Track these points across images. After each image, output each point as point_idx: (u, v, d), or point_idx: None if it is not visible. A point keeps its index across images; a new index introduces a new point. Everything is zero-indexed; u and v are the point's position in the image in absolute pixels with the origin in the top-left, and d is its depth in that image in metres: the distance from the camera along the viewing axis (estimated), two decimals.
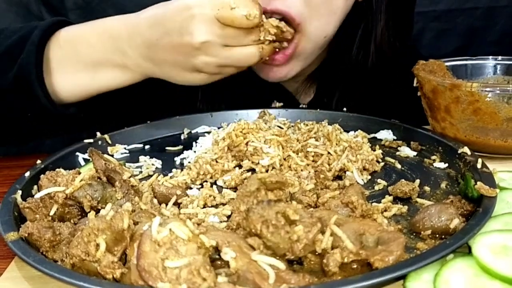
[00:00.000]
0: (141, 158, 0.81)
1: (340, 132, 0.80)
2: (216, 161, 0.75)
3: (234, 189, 0.70)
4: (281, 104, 0.97)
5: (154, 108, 0.98)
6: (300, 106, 1.05)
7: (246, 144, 0.76)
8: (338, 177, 0.72)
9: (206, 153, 0.78)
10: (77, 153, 0.79)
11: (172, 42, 0.74)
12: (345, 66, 0.99)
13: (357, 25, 0.95)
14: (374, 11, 0.94)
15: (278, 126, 0.89)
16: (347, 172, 0.72)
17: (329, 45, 0.95)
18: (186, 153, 0.82)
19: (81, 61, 0.81)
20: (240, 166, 0.75)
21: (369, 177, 0.73)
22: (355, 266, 0.49)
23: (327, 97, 1.02)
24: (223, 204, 0.66)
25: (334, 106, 1.01)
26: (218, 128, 0.89)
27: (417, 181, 0.69)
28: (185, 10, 0.73)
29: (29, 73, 0.77)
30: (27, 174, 0.69)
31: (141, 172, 0.77)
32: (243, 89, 0.98)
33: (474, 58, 0.90)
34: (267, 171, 0.73)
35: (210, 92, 1.00)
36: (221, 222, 0.61)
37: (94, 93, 0.83)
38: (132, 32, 0.78)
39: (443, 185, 0.69)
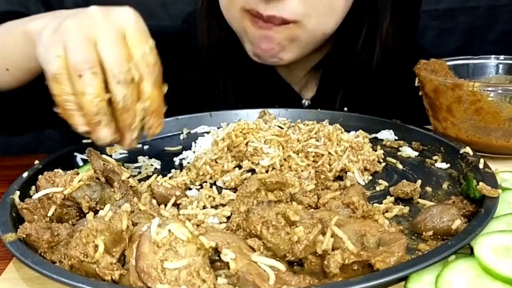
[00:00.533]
0: (140, 158, 0.81)
1: (341, 132, 0.80)
2: (216, 162, 0.75)
3: (234, 189, 0.69)
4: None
5: None
6: (303, 101, 1.05)
7: (246, 144, 0.75)
8: (339, 178, 0.72)
9: (205, 153, 0.77)
10: (76, 154, 0.79)
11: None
12: (349, 62, 0.98)
13: (363, 20, 0.95)
14: (380, 7, 0.93)
15: (278, 126, 0.89)
16: (348, 173, 0.72)
17: (333, 39, 0.94)
18: (185, 154, 0.82)
19: None
20: (240, 167, 0.75)
21: (370, 177, 0.72)
22: (356, 268, 0.49)
23: (329, 92, 1.02)
24: (223, 205, 0.65)
25: (337, 102, 1.00)
26: (218, 128, 0.89)
27: (419, 181, 0.68)
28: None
29: None
30: (25, 174, 0.68)
31: (140, 172, 0.77)
32: (245, 85, 0.98)
33: (476, 57, 0.90)
34: (267, 171, 0.72)
35: (210, 89, 1.00)
36: (220, 223, 0.60)
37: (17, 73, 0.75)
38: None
39: (445, 185, 0.68)
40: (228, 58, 0.99)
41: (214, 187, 0.71)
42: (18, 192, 0.63)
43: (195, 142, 0.84)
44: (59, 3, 1.38)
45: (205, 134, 0.87)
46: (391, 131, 0.86)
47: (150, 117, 0.61)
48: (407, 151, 0.80)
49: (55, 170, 0.64)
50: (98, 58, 0.58)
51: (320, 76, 1.04)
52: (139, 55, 0.59)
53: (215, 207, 0.65)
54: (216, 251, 0.49)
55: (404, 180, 0.67)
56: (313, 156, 0.74)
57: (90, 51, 0.58)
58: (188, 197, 0.66)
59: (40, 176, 0.62)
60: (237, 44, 0.94)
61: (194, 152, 0.81)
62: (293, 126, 0.88)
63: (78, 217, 0.60)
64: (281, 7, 0.82)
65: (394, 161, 0.77)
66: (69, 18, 0.61)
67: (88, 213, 0.58)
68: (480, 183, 0.60)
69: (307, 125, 0.84)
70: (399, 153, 0.80)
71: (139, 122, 0.60)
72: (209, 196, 0.66)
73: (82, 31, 0.59)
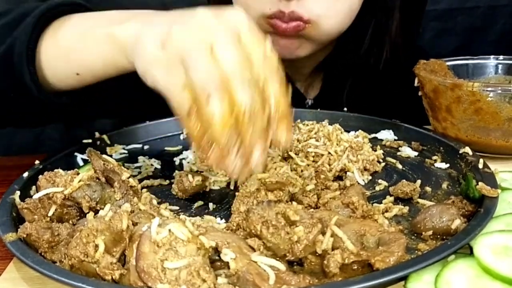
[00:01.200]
0: (140, 158, 0.81)
1: (341, 132, 0.80)
2: None
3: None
4: None
5: (153, 108, 0.97)
6: (306, 101, 1.05)
7: None
8: (339, 178, 0.72)
9: None
10: (76, 154, 0.79)
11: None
12: (353, 60, 0.98)
13: (369, 18, 0.95)
14: (389, 6, 0.93)
15: None
16: (347, 173, 0.72)
17: (336, 38, 0.95)
18: (185, 154, 0.82)
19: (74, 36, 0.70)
20: None
21: (370, 177, 0.72)
22: (355, 267, 0.49)
23: (333, 91, 1.02)
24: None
25: (344, 101, 1.00)
26: None
27: (418, 181, 0.69)
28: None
29: (20, 46, 0.68)
30: (26, 174, 0.68)
31: (140, 172, 0.77)
32: None
33: (475, 57, 0.90)
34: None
35: None
36: (221, 218, 0.61)
37: (82, 70, 0.69)
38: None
39: (444, 185, 0.68)
40: None
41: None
42: (18, 192, 0.63)
43: None
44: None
45: None
46: (391, 131, 0.86)
47: (279, 125, 0.52)
48: (407, 151, 0.80)
49: (56, 170, 0.64)
50: (220, 69, 0.50)
51: (324, 75, 1.04)
52: (260, 56, 0.52)
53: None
54: (216, 250, 0.49)
55: (404, 180, 0.67)
56: (313, 156, 0.74)
57: (213, 65, 0.50)
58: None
59: (40, 176, 0.62)
60: None
61: (194, 152, 0.81)
62: (293, 126, 0.88)
63: (79, 217, 0.60)
64: (301, 4, 0.82)
65: (394, 161, 0.77)
66: (176, 25, 0.53)
67: (88, 213, 0.58)
68: (480, 183, 0.60)
69: (307, 125, 0.84)
70: (398, 153, 0.80)
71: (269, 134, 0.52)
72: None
73: (199, 42, 0.51)
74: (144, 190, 0.68)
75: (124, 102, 0.92)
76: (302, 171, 0.72)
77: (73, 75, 0.70)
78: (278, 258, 0.49)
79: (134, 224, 0.53)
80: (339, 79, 1.01)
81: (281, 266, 0.48)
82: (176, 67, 0.52)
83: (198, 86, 0.50)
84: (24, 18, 0.70)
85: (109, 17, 0.69)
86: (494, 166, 0.67)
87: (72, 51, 0.70)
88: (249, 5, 0.86)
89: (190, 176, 0.67)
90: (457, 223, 0.55)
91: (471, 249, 0.52)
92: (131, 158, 0.82)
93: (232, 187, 0.70)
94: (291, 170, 0.72)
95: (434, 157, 0.77)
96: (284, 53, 0.90)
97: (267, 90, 0.51)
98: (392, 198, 0.65)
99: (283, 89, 0.52)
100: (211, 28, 0.52)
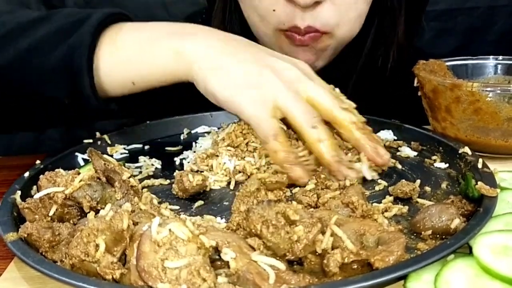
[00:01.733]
0: (141, 158, 0.81)
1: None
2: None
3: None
4: None
5: (153, 108, 0.97)
6: None
7: (246, 144, 0.75)
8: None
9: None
10: (77, 153, 0.79)
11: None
12: (357, 61, 0.99)
13: (372, 19, 0.95)
14: (395, 8, 0.94)
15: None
16: (356, 164, 0.71)
17: None
18: (186, 153, 0.82)
19: (133, 44, 0.73)
20: None
21: (378, 176, 0.72)
22: (355, 267, 0.49)
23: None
24: None
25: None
26: (218, 128, 0.89)
27: (418, 181, 0.69)
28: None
29: (79, 55, 0.69)
30: (27, 174, 0.69)
31: (140, 172, 0.77)
32: None
33: (474, 57, 0.90)
34: None
35: None
36: (221, 217, 0.61)
37: (139, 79, 0.73)
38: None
39: (443, 185, 0.69)
40: None
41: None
42: (19, 192, 0.63)
43: (196, 142, 0.84)
44: (60, 2, 1.38)
45: (205, 134, 0.87)
46: (390, 131, 0.86)
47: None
48: (406, 151, 0.80)
49: (56, 170, 0.64)
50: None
51: (326, 76, 1.04)
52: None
53: None
54: (216, 250, 0.49)
55: (403, 180, 0.67)
56: None
57: (308, 106, 0.67)
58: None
59: (41, 176, 0.63)
60: None
61: (194, 152, 0.82)
62: None
63: (79, 217, 0.60)
64: (316, 15, 0.82)
65: (393, 161, 0.77)
66: (266, 69, 0.68)
67: (89, 212, 0.58)
68: (479, 183, 0.60)
69: None
70: (398, 153, 0.80)
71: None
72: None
73: (291, 90, 0.67)
74: (145, 189, 0.68)
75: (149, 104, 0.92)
76: None
77: (129, 83, 0.73)
78: (278, 258, 0.49)
79: (135, 223, 0.53)
80: (342, 80, 1.02)
81: (281, 266, 0.48)
82: (268, 104, 0.66)
83: (302, 120, 0.66)
84: (77, 26, 0.71)
85: (165, 29, 0.74)
86: (493, 165, 0.68)
87: (132, 61, 0.72)
88: (264, 20, 0.86)
89: (190, 176, 0.67)
90: (456, 222, 0.55)
91: (470, 248, 0.52)
92: (131, 158, 0.83)
93: (232, 187, 0.71)
94: None
95: (434, 157, 0.77)
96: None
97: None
98: (391, 198, 0.65)
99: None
100: (295, 74, 0.69)
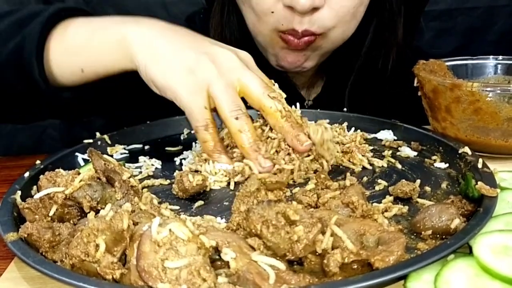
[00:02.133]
0: (141, 158, 0.81)
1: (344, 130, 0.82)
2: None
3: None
4: None
5: (153, 108, 0.97)
6: (305, 103, 1.05)
7: None
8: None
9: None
10: (77, 154, 0.79)
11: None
12: (356, 60, 0.99)
13: (369, 20, 0.96)
14: (393, 9, 0.94)
15: None
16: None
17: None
18: (185, 154, 0.82)
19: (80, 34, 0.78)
20: None
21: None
22: (355, 267, 0.49)
23: (334, 92, 1.03)
24: None
25: (342, 102, 1.01)
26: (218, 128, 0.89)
27: (418, 181, 0.69)
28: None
29: (30, 42, 0.74)
30: (27, 174, 0.69)
31: (140, 172, 0.77)
32: None
33: (474, 57, 0.90)
34: None
35: None
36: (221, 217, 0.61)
37: (87, 65, 0.77)
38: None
39: (443, 185, 0.69)
40: None
41: None
42: (19, 192, 0.63)
43: (196, 142, 0.84)
44: (60, 2, 1.38)
45: None
46: (390, 131, 0.86)
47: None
48: (406, 151, 0.80)
49: (57, 170, 0.64)
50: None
51: (325, 77, 1.04)
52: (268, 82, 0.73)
53: None
54: (217, 250, 0.49)
55: (403, 180, 0.67)
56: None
57: (235, 97, 0.69)
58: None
59: (41, 176, 0.63)
60: (247, 45, 0.95)
61: (194, 152, 0.82)
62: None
63: (79, 217, 0.60)
64: (314, 19, 0.83)
65: (393, 161, 0.77)
66: (202, 55, 0.69)
67: (89, 212, 0.58)
68: (479, 183, 0.60)
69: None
70: (398, 153, 0.80)
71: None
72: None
73: (224, 78, 0.69)
74: (145, 190, 0.68)
75: (120, 101, 0.94)
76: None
77: (78, 71, 0.77)
78: (278, 258, 0.49)
79: (135, 223, 0.53)
80: (341, 79, 1.02)
81: (281, 266, 0.48)
82: (201, 92, 0.68)
83: (226, 111, 0.68)
84: (33, 18, 0.75)
85: (115, 20, 0.77)
86: (493, 165, 0.68)
87: (80, 49, 0.76)
88: (262, 20, 0.87)
89: (190, 176, 0.67)
90: (456, 222, 0.55)
91: (470, 248, 0.52)
92: (131, 158, 0.83)
93: (232, 187, 0.71)
94: None
95: (434, 157, 0.77)
96: (291, 67, 0.91)
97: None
98: (391, 198, 0.65)
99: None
100: (232, 62, 0.70)
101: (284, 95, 0.73)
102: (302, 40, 0.85)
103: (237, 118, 0.69)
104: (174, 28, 0.75)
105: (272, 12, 0.84)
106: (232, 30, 0.96)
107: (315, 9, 0.81)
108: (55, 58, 0.76)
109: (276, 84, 0.75)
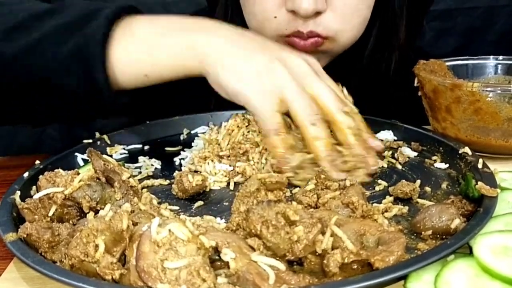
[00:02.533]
0: (140, 158, 0.81)
1: None
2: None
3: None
4: None
5: (153, 108, 0.97)
6: None
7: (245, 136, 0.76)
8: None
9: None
10: (76, 154, 0.79)
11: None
12: (359, 62, 0.98)
13: (373, 22, 0.95)
14: (396, 12, 0.94)
15: None
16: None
17: None
18: (185, 154, 0.82)
19: (146, 37, 0.74)
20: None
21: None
22: (355, 267, 0.49)
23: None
24: None
25: None
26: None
27: (418, 181, 0.69)
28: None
29: (94, 46, 0.69)
30: (26, 174, 0.69)
31: (140, 172, 0.77)
32: None
33: (475, 58, 0.90)
34: None
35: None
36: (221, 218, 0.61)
37: (151, 72, 0.74)
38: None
39: (444, 185, 0.68)
40: None
41: None
42: (18, 192, 0.63)
43: (194, 142, 0.84)
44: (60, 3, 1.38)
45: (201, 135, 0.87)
46: (390, 131, 0.86)
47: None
48: (406, 151, 0.80)
49: (56, 170, 0.64)
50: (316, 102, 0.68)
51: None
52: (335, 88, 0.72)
53: None
54: (216, 250, 0.49)
55: (403, 180, 0.67)
56: None
57: (311, 102, 0.68)
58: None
59: (40, 176, 0.63)
60: None
61: (193, 151, 0.82)
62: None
63: (79, 217, 0.60)
64: (318, 22, 0.82)
65: (393, 161, 0.77)
66: (275, 63, 0.68)
67: (88, 213, 0.58)
68: (479, 183, 0.60)
69: None
70: (398, 153, 0.80)
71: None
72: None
73: (297, 83, 0.68)
74: (144, 190, 0.68)
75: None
76: None
77: (142, 76, 0.73)
78: (278, 258, 0.49)
79: (134, 224, 0.53)
80: (343, 82, 1.01)
81: (281, 266, 0.48)
82: (274, 96, 0.67)
83: (303, 116, 0.67)
84: (91, 17, 0.71)
85: (178, 23, 0.75)
86: (493, 166, 0.68)
87: (145, 54, 0.72)
88: (265, 26, 0.86)
89: (190, 176, 0.67)
90: (456, 222, 0.55)
91: (470, 248, 0.52)
92: (131, 158, 0.82)
93: (232, 188, 0.71)
94: None
95: (434, 157, 0.77)
96: None
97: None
98: (391, 198, 0.65)
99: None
100: (303, 67, 0.70)
101: (356, 110, 0.72)
102: (308, 41, 0.84)
103: (314, 124, 0.67)
104: (241, 32, 0.74)
105: (275, 17, 0.83)
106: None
107: (318, 13, 0.81)
108: (118, 63, 0.71)
109: (344, 88, 0.75)
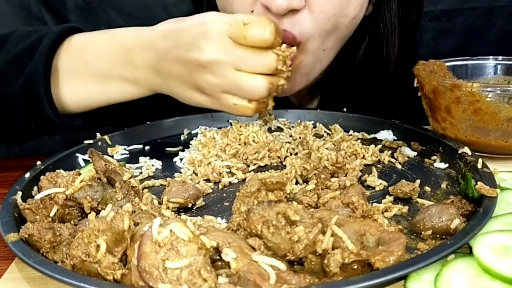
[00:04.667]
0: (141, 159, 0.81)
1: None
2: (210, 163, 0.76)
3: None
4: None
5: (154, 108, 0.97)
6: None
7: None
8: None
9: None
10: (77, 154, 0.79)
11: (179, 56, 0.72)
12: (351, 72, 0.98)
13: (362, 36, 0.94)
14: (386, 29, 0.93)
15: (279, 127, 0.89)
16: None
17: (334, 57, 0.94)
18: (182, 154, 0.82)
19: (89, 73, 0.79)
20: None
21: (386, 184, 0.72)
22: (355, 267, 0.49)
23: (331, 106, 1.01)
24: None
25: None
26: (219, 128, 0.89)
27: (418, 181, 0.69)
28: (198, 26, 0.71)
29: (36, 84, 0.76)
30: (27, 175, 0.69)
31: (141, 173, 0.77)
32: None
33: (474, 58, 0.90)
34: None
35: None
36: (222, 218, 0.61)
37: (101, 105, 0.82)
38: (145, 43, 0.76)
39: (443, 185, 0.69)
40: None
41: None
42: (20, 193, 0.63)
43: (191, 143, 0.85)
44: (60, 3, 1.38)
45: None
46: (390, 131, 0.86)
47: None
48: (406, 151, 0.80)
49: (57, 170, 0.65)
50: None
51: (320, 95, 1.04)
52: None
53: None
54: (217, 250, 0.49)
55: (403, 180, 0.67)
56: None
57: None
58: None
59: (42, 177, 0.63)
60: None
61: (191, 152, 0.82)
62: (293, 126, 0.88)
63: (80, 217, 0.60)
64: (294, 23, 0.80)
65: (393, 161, 0.77)
66: (199, 74, 0.72)
67: (90, 213, 0.58)
68: (479, 183, 0.60)
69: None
70: (397, 153, 0.80)
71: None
72: None
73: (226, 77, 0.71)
74: (145, 190, 0.69)
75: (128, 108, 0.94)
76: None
77: (90, 107, 0.82)
78: (278, 258, 0.49)
79: (136, 224, 0.53)
80: (337, 95, 1.01)
81: (282, 266, 0.48)
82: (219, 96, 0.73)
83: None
84: (30, 54, 0.77)
85: (111, 58, 0.79)
86: (493, 166, 0.68)
87: (89, 95, 0.81)
88: None
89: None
90: (456, 222, 0.55)
91: (470, 248, 0.52)
92: (132, 158, 0.83)
93: (232, 188, 0.71)
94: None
95: (434, 157, 0.77)
96: (280, 92, 0.89)
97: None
98: (391, 198, 0.65)
99: None
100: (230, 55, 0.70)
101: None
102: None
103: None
104: (165, 50, 0.75)
105: (252, 12, 0.82)
106: None
107: (294, 11, 0.79)
108: (64, 97, 0.79)
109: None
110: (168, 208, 0.64)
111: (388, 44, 0.94)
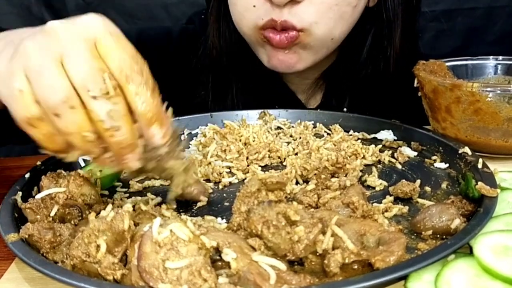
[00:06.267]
0: None
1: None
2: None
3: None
4: None
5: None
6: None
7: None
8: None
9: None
10: None
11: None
12: (354, 70, 0.98)
13: (368, 29, 0.95)
14: (390, 18, 0.94)
15: (278, 127, 0.89)
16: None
17: (339, 48, 0.94)
18: (185, 154, 0.82)
19: None
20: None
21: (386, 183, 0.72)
22: (356, 267, 0.49)
23: (334, 100, 1.02)
24: None
25: (341, 109, 1.00)
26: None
27: (418, 181, 0.69)
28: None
29: None
30: (27, 175, 0.69)
31: None
32: (250, 93, 0.99)
33: (474, 58, 0.90)
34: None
35: (219, 96, 1.01)
36: (222, 218, 0.61)
37: None
38: None
39: (443, 185, 0.69)
40: (237, 63, 0.99)
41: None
42: (20, 193, 0.63)
43: (191, 144, 0.85)
44: (61, 4, 1.38)
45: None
46: (390, 131, 0.86)
47: (149, 127, 0.51)
48: (406, 151, 0.80)
49: (58, 170, 0.64)
50: (69, 80, 0.49)
51: (325, 85, 1.04)
52: (116, 62, 0.49)
53: None
54: (217, 250, 0.49)
55: (404, 180, 0.67)
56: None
57: (59, 78, 0.49)
58: None
59: (43, 177, 0.63)
60: (248, 49, 0.95)
61: (191, 152, 0.82)
62: (293, 126, 0.88)
63: (80, 217, 0.60)
64: (294, 12, 0.82)
65: (393, 161, 0.77)
66: (26, 39, 0.51)
67: (90, 213, 0.58)
68: (479, 183, 0.60)
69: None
70: (397, 153, 0.80)
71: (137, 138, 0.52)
72: None
73: (45, 53, 0.49)
74: (146, 190, 0.69)
75: None
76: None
77: None
78: (278, 258, 0.49)
79: (136, 224, 0.53)
80: (341, 88, 1.01)
81: (282, 266, 0.48)
82: (16, 77, 0.50)
83: (44, 103, 0.49)
84: None
85: None
86: (493, 166, 0.68)
87: None
88: (244, 16, 0.87)
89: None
90: (456, 222, 0.55)
91: (470, 248, 0.52)
92: None
93: (231, 188, 0.71)
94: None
95: (434, 157, 0.77)
96: (283, 67, 0.91)
97: (129, 94, 0.50)
98: (392, 198, 0.65)
99: (149, 89, 0.51)
100: (60, 40, 0.50)
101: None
102: (283, 36, 0.84)
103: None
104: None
105: (254, 6, 0.84)
106: (230, 27, 0.96)
107: (295, 2, 0.81)
108: None
109: None
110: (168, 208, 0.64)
111: (391, 33, 0.95)
